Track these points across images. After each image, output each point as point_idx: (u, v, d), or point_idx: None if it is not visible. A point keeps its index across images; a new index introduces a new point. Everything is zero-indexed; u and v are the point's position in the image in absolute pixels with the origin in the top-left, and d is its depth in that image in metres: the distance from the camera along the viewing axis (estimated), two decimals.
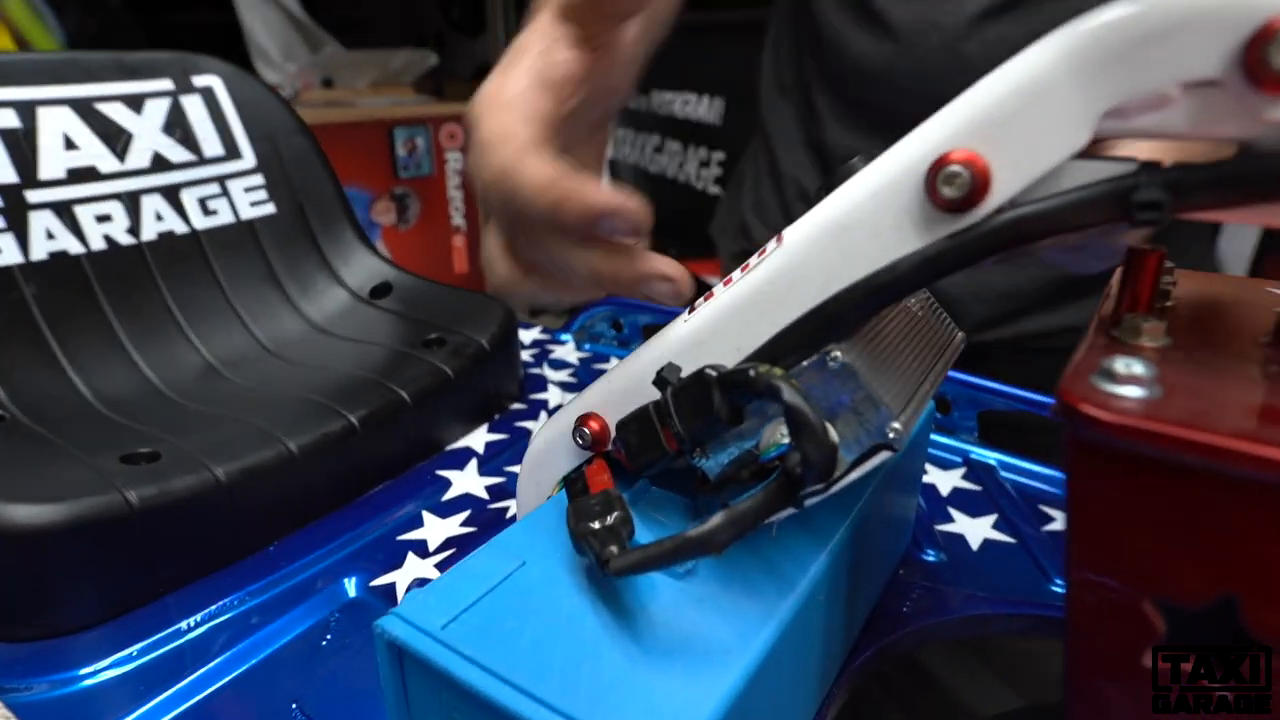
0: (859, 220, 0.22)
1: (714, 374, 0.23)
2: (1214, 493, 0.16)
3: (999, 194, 0.20)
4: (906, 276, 0.21)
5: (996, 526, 0.47)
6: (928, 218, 0.21)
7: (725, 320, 0.25)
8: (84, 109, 0.56)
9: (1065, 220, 0.19)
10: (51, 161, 0.53)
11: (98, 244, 0.54)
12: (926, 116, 0.21)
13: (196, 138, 0.61)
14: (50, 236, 0.52)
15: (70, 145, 0.55)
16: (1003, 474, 0.53)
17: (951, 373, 0.57)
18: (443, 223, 2.18)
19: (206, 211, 0.60)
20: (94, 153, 0.55)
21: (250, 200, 0.63)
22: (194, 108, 0.61)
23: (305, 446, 0.45)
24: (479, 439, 0.56)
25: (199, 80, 0.62)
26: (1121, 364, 0.17)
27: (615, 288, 0.29)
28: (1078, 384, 0.17)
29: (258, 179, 0.64)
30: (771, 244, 0.24)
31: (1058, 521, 0.48)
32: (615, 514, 0.24)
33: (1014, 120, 0.19)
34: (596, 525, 0.24)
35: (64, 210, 0.53)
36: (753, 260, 0.25)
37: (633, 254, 0.28)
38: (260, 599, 0.40)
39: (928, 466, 0.54)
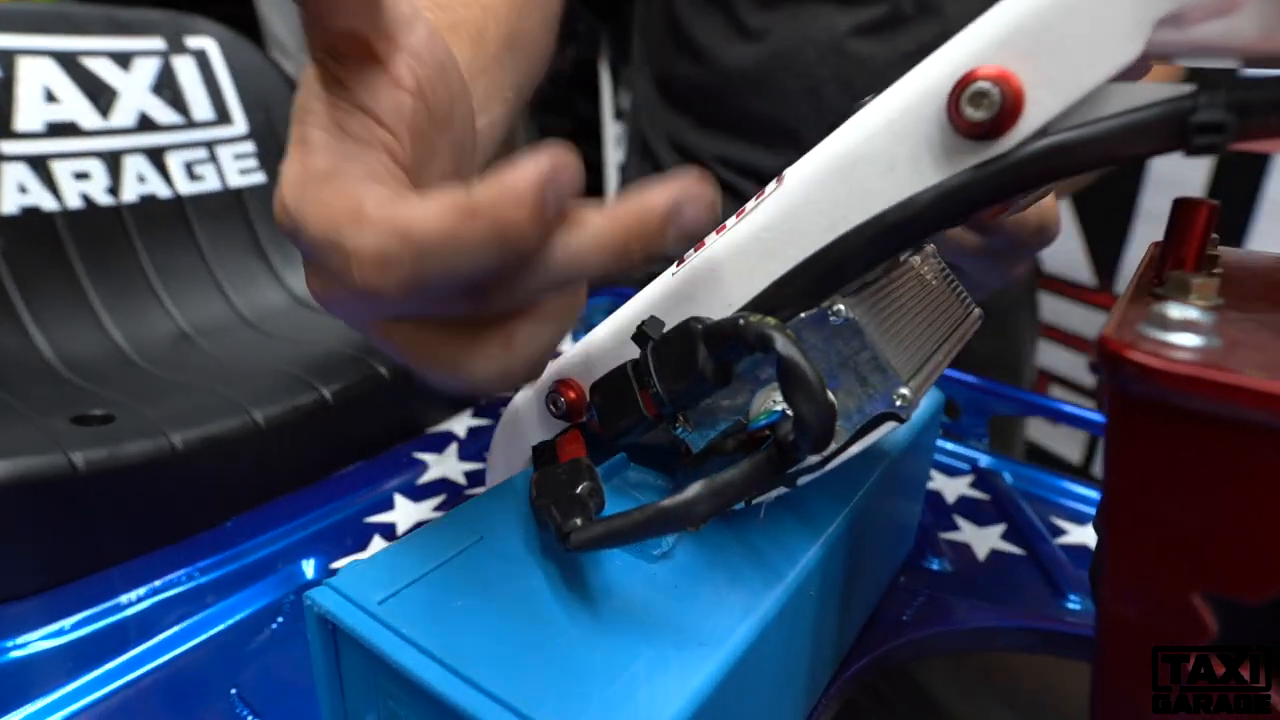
0: (871, 153, 0.19)
1: (699, 326, 0.20)
2: None
3: (1033, 118, 0.17)
4: (924, 214, 0.18)
5: (1005, 537, 0.44)
6: (950, 147, 0.18)
7: (716, 270, 0.22)
8: (68, 62, 0.54)
9: (1111, 149, 0.16)
10: (30, 113, 0.51)
11: (74, 202, 0.52)
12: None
13: (186, 100, 0.59)
14: (23, 190, 0.50)
15: (51, 98, 0.52)
16: (1013, 483, 0.50)
17: (960, 375, 0.54)
18: None
19: (192, 176, 0.58)
20: (76, 108, 0.53)
21: (240, 168, 0.61)
22: (186, 69, 0.59)
23: (273, 418, 0.43)
24: (461, 424, 0.53)
25: (193, 41, 0.60)
26: (1175, 309, 0.14)
27: (634, 251, 0.19)
28: (1123, 332, 0.14)
29: (249, 146, 0.62)
30: (771, 185, 0.21)
31: (1071, 534, 0.45)
32: (584, 484, 0.22)
33: (1053, 30, 0.17)
34: (561, 497, 0.21)
35: (39, 164, 0.51)
36: (749, 204, 0.22)
37: (636, 196, 0.19)
38: (211, 576, 0.38)
39: (933, 473, 0.51)
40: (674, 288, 0.23)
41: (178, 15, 0.60)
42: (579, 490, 0.21)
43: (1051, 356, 1.25)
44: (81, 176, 0.53)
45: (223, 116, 0.60)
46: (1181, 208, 0.19)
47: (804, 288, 0.20)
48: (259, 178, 0.61)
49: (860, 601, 0.32)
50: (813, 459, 0.21)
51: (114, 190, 0.54)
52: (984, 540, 0.44)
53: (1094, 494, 0.49)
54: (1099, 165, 0.17)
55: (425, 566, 0.22)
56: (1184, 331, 0.14)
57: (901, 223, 0.19)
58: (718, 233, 0.22)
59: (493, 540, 0.24)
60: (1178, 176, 1.02)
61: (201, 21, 0.61)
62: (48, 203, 0.51)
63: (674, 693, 0.18)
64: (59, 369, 0.46)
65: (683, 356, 0.20)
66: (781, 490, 0.23)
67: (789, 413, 0.21)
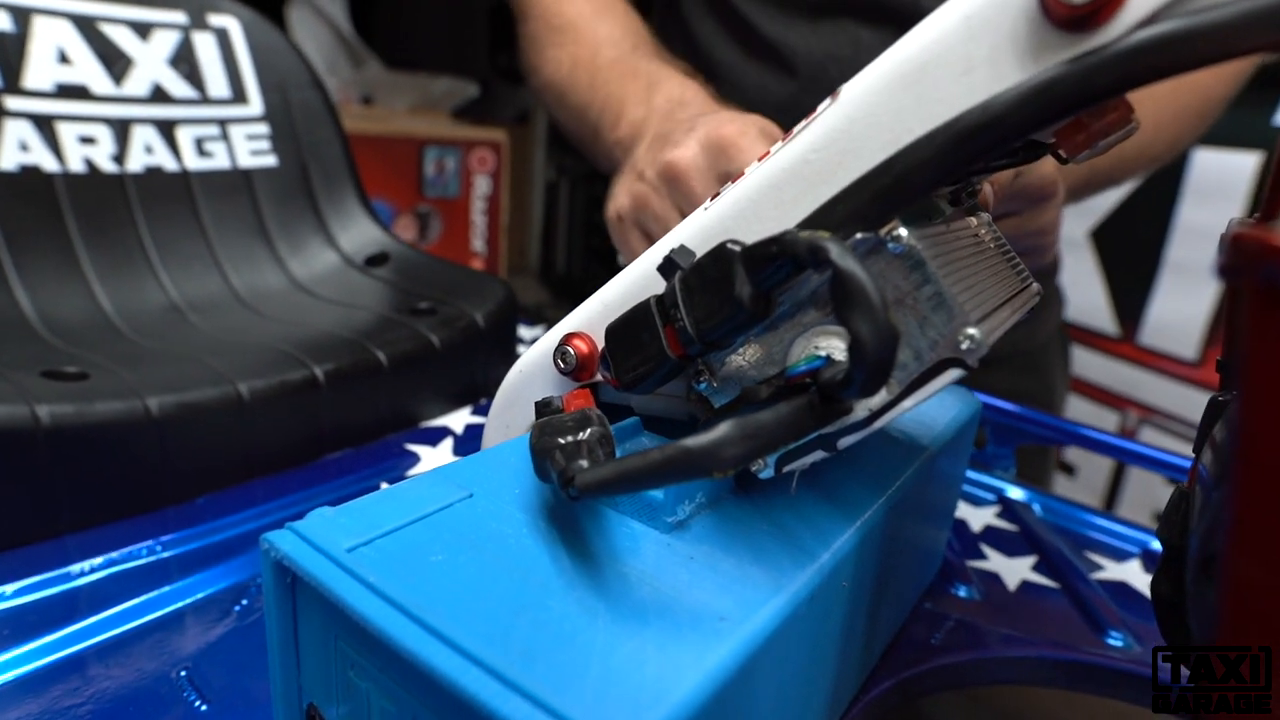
0: (943, 56, 0.17)
1: (737, 248, 0.17)
2: None
3: (1142, 2, 0.15)
4: (1006, 116, 0.16)
5: (1037, 569, 0.41)
6: (1040, 41, 0.16)
7: (759, 199, 0.19)
8: (85, 26, 0.52)
9: (1234, 39, 0.14)
10: (40, 72, 0.50)
11: (76, 165, 0.50)
12: None
13: (203, 76, 0.57)
14: (24, 148, 0.48)
15: (64, 59, 0.51)
16: (1042, 515, 0.46)
17: (985, 399, 0.51)
18: (463, 245, 2.16)
19: (202, 152, 0.57)
20: (88, 71, 0.52)
21: (251, 149, 0.59)
22: (205, 46, 0.58)
23: (258, 391, 0.40)
24: (459, 419, 0.50)
25: (215, 20, 0.59)
26: None
27: None
28: (1259, 229, 0.12)
29: (263, 128, 0.60)
30: (824, 103, 0.19)
31: (1108, 569, 0.41)
32: (591, 429, 0.19)
33: None
34: (565, 440, 0.18)
35: (44, 124, 0.49)
36: (798, 126, 0.20)
37: None
38: (174, 552, 0.34)
39: (958, 502, 0.47)
40: (707, 222, 0.21)
41: None
42: (586, 435, 0.19)
43: (1074, 408, 1.22)
44: (87, 141, 0.51)
45: (239, 96, 0.59)
46: None
47: (859, 208, 0.18)
48: (270, 160, 0.60)
49: (888, 615, 0.29)
50: (859, 413, 0.19)
51: (119, 158, 0.52)
52: (1014, 571, 0.41)
53: (1128, 531, 0.45)
54: (1219, 59, 0.14)
55: (404, 518, 0.20)
56: None
57: (978, 127, 0.16)
58: (760, 160, 0.20)
59: (485, 498, 0.21)
60: (1206, 226, 1.01)
61: (225, 0, 0.60)
62: (49, 163, 0.49)
63: (688, 667, 0.15)
64: (38, 328, 0.43)
65: (718, 282, 0.18)
66: (818, 456, 0.20)
67: (834, 358, 0.18)
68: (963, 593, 0.37)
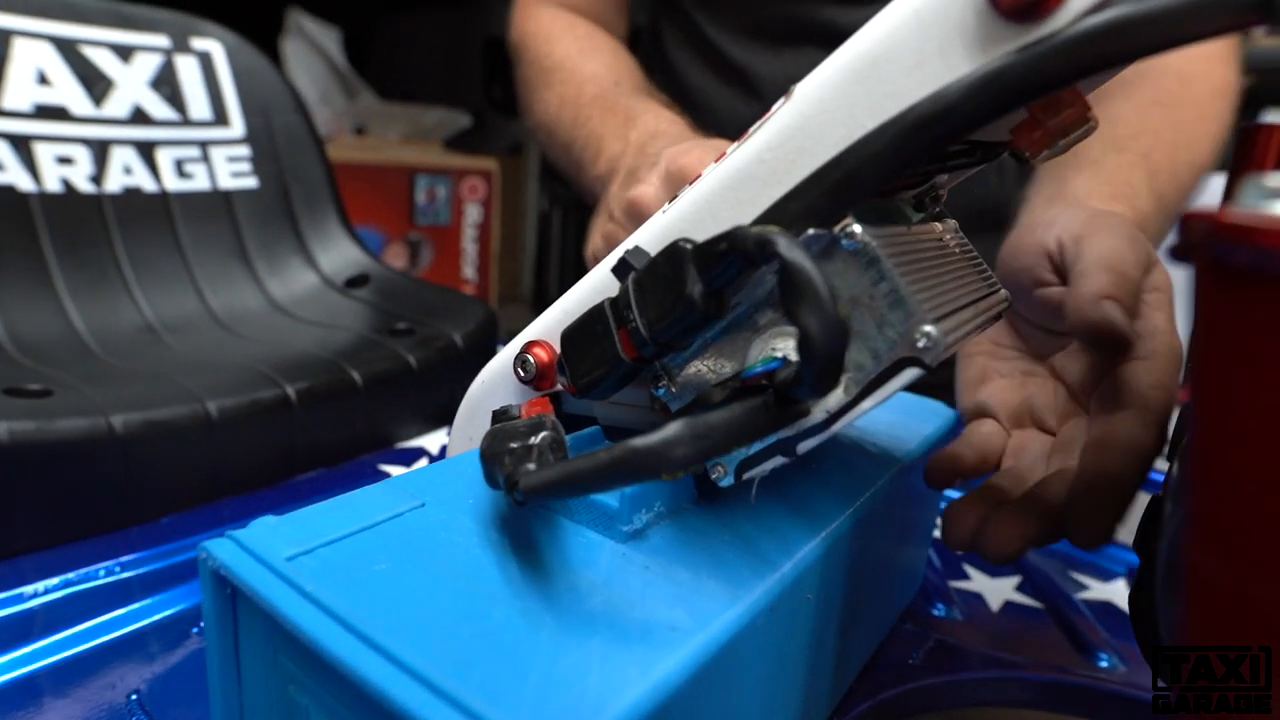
0: (894, 49, 0.17)
1: (689, 245, 0.17)
2: None
3: None
4: (957, 106, 0.16)
5: (1021, 589, 0.40)
6: (987, 31, 0.16)
7: (714, 199, 0.19)
8: (66, 48, 0.52)
9: (1182, 25, 0.14)
10: (18, 92, 0.50)
11: (53, 185, 0.50)
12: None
13: (185, 98, 0.58)
14: (0, 168, 0.48)
15: (43, 80, 0.51)
16: None
17: None
18: (453, 273, 2.16)
19: (182, 174, 0.56)
20: (68, 93, 0.52)
21: (232, 170, 0.59)
22: (188, 69, 0.58)
23: (227, 410, 0.39)
24: (435, 440, 0.49)
25: (198, 43, 0.59)
26: (1275, 179, 0.11)
27: None
28: (1215, 210, 0.12)
29: (244, 150, 0.60)
30: (778, 102, 0.19)
31: (1093, 589, 0.41)
32: (543, 434, 0.18)
33: None
34: (515, 445, 0.18)
35: (21, 144, 0.49)
36: (754, 125, 0.19)
37: None
38: (134, 573, 0.34)
39: (939, 521, 0.47)
40: (664, 225, 0.20)
41: (187, 16, 0.60)
42: (538, 439, 0.18)
43: None
44: (65, 161, 0.51)
45: (220, 118, 0.59)
46: (1246, 136, 0.16)
47: (811, 204, 0.17)
48: (251, 182, 0.60)
49: (863, 633, 0.28)
50: (817, 415, 0.18)
51: (97, 179, 0.52)
52: (997, 591, 0.40)
53: (1114, 550, 0.45)
54: (1165, 46, 0.14)
55: (352, 527, 0.19)
56: None
57: (929, 118, 0.16)
58: (718, 161, 0.20)
59: (437, 507, 0.20)
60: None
61: (209, 25, 0.61)
62: (24, 183, 0.49)
63: (634, 678, 0.15)
64: (6, 346, 0.43)
65: (670, 281, 0.17)
66: (779, 461, 0.19)
67: (790, 359, 0.18)
68: (944, 613, 0.37)
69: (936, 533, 0.45)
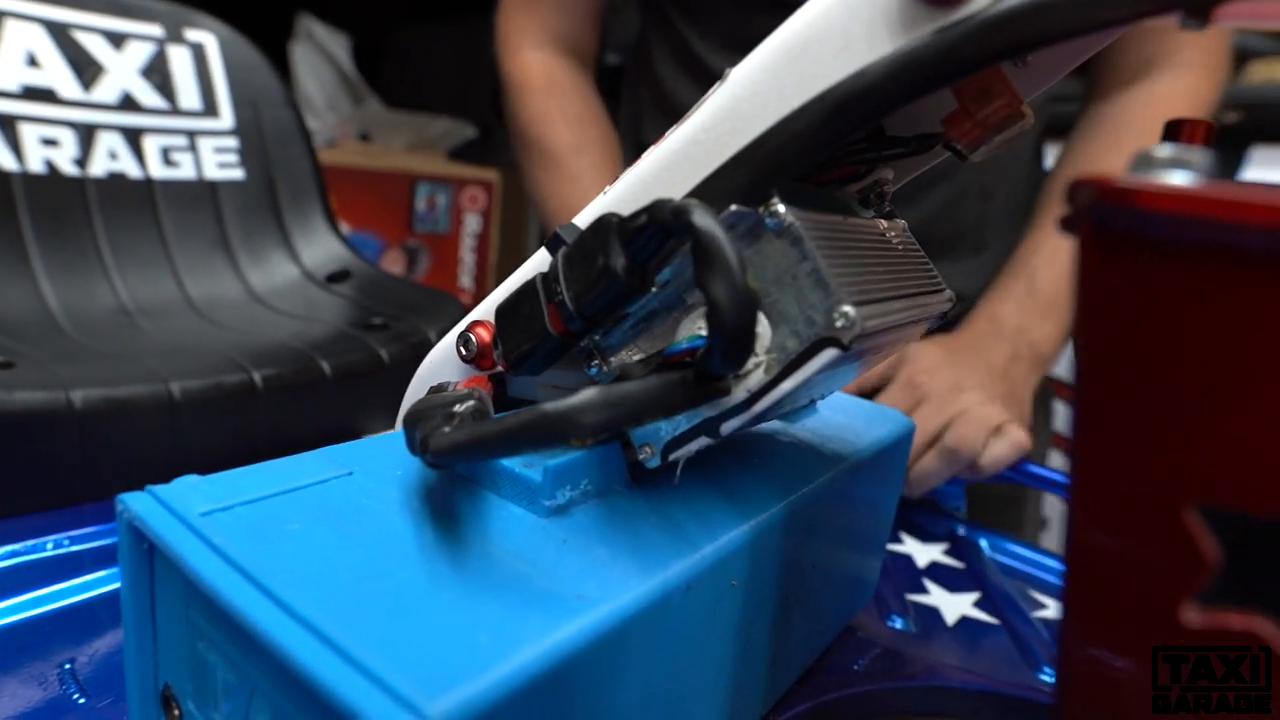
0: (823, 31, 0.17)
1: (615, 219, 0.17)
2: None
3: None
4: (877, 86, 0.16)
5: (979, 605, 0.40)
6: (911, 15, 0.16)
7: (651, 180, 0.19)
8: (57, 32, 0.53)
9: (1099, 8, 0.14)
10: (6, 73, 0.50)
11: (36, 166, 0.50)
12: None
13: (175, 87, 0.58)
14: None
15: (33, 63, 0.51)
16: (991, 554, 0.46)
17: None
18: (450, 281, 2.17)
19: (168, 162, 0.57)
20: (57, 76, 0.52)
21: (219, 161, 0.60)
22: (180, 59, 0.59)
23: (191, 392, 0.39)
24: None
25: (192, 35, 0.60)
26: (1164, 150, 0.11)
27: None
28: (1105, 177, 0.12)
29: (232, 141, 0.60)
30: (716, 85, 0.19)
31: (1051, 608, 0.40)
32: (469, 403, 0.18)
33: None
34: (437, 411, 0.18)
35: (7, 123, 0.49)
36: (691, 108, 0.20)
37: None
38: (80, 547, 0.33)
39: (904, 538, 0.47)
40: (601, 206, 0.21)
41: (183, 8, 0.60)
42: (461, 408, 0.18)
43: (1056, 463, 1.21)
44: (50, 143, 0.51)
45: (210, 109, 0.60)
46: (1172, 130, 0.17)
47: (738, 182, 0.18)
48: (237, 173, 0.60)
49: (802, 634, 0.28)
50: (738, 395, 0.18)
51: (82, 162, 0.53)
52: (954, 606, 0.40)
53: None
54: (1084, 30, 0.15)
55: (274, 489, 0.19)
56: (1177, 170, 0.11)
57: (852, 97, 0.16)
58: (657, 144, 0.20)
59: (364, 477, 0.20)
60: None
61: (204, 17, 0.61)
62: (7, 162, 0.49)
63: (524, 641, 0.15)
64: None
65: (595, 254, 0.17)
66: (704, 442, 0.19)
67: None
68: (898, 624, 0.37)
69: (893, 546, 0.45)
